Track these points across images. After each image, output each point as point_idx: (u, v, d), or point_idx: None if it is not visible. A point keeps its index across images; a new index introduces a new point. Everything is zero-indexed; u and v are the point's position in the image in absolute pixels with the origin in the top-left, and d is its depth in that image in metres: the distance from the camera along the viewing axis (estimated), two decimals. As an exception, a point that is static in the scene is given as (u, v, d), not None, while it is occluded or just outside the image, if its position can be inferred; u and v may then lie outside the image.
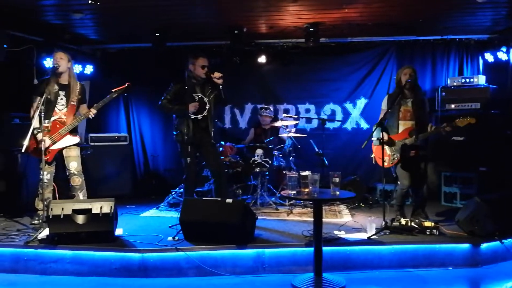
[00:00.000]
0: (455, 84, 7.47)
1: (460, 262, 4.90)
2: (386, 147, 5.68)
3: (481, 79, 7.33)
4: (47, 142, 5.36)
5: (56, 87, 5.61)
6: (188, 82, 5.90)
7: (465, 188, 7.12)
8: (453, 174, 7.30)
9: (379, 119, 5.83)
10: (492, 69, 7.72)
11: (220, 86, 5.83)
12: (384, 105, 5.93)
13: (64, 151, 5.68)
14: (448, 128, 5.49)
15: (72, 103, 5.69)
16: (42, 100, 5.17)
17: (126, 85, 5.75)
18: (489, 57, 7.62)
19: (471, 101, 7.20)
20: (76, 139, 5.73)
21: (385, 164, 5.64)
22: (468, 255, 4.92)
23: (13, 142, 5.61)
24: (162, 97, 6.00)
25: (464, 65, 8.04)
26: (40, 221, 5.31)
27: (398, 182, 5.85)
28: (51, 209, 4.78)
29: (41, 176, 5.36)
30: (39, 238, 4.94)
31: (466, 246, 4.94)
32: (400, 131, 5.74)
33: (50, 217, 4.76)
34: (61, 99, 5.66)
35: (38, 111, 5.16)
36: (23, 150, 5.18)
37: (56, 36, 7.40)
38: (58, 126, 5.58)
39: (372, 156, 5.97)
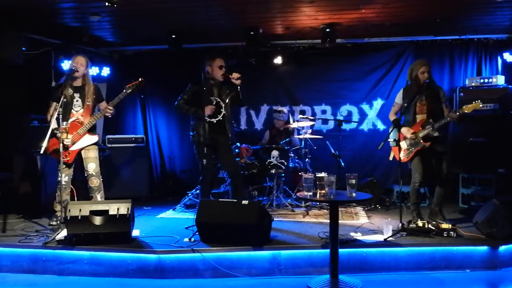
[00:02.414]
0: (473, 84, 7.39)
1: (478, 265, 4.84)
2: (402, 142, 5.74)
3: (500, 79, 7.25)
4: (67, 142, 5.43)
5: (70, 90, 5.68)
6: (205, 84, 5.90)
7: (483, 190, 7.02)
8: (471, 175, 7.21)
9: (391, 112, 5.84)
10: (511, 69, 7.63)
11: (239, 87, 5.84)
12: (398, 99, 5.91)
13: (82, 153, 5.74)
14: (455, 115, 5.47)
15: (87, 103, 5.75)
16: (60, 103, 5.24)
17: (140, 80, 5.78)
18: (508, 57, 7.54)
19: (490, 101, 7.10)
20: (95, 138, 5.80)
21: (402, 158, 5.73)
22: (486, 258, 4.87)
23: (32, 144, 5.68)
24: (179, 97, 6.03)
25: (482, 65, 7.94)
26: (58, 222, 5.37)
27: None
28: (69, 210, 4.82)
29: (59, 179, 5.45)
30: (57, 239, 4.99)
31: (484, 248, 4.89)
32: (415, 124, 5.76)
33: (68, 218, 4.80)
34: (77, 101, 5.73)
35: (56, 113, 5.23)
36: (41, 152, 5.27)
37: (74, 38, 7.46)
38: (76, 126, 5.66)
39: (391, 155, 5.97)
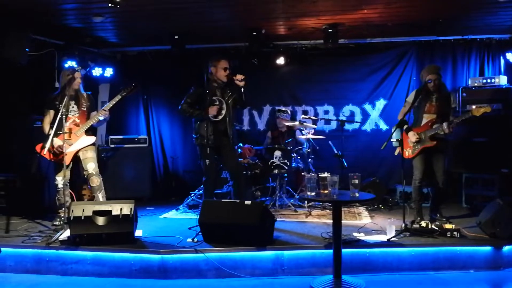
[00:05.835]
0: (476, 84, 7.37)
1: (481, 265, 4.84)
2: (409, 139, 5.80)
3: (502, 80, 7.22)
4: (60, 143, 5.50)
5: (66, 98, 5.71)
6: (208, 85, 5.90)
7: (486, 190, 7.01)
8: (474, 175, 7.19)
9: (401, 112, 5.87)
10: (514, 70, 7.63)
11: (242, 89, 5.84)
12: (410, 99, 5.91)
13: (80, 154, 5.80)
14: (464, 116, 5.54)
15: (82, 108, 5.88)
16: (64, 103, 5.34)
17: (133, 86, 5.94)
18: (511, 57, 7.51)
19: (492, 101, 7.04)
20: (92, 139, 5.88)
21: (407, 154, 5.78)
22: (490, 258, 4.86)
23: (35, 145, 5.71)
24: (182, 101, 6.02)
25: (485, 65, 7.92)
26: (62, 222, 5.39)
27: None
28: (72, 210, 4.84)
29: (55, 182, 5.67)
30: (60, 239, 5.00)
31: (487, 248, 4.88)
32: (422, 124, 5.77)
33: (71, 218, 4.81)
34: (72, 107, 5.84)
35: (60, 114, 5.29)
36: (44, 152, 5.36)
37: (77, 39, 7.48)
38: (73, 128, 5.76)
39: (397, 150, 5.96)
